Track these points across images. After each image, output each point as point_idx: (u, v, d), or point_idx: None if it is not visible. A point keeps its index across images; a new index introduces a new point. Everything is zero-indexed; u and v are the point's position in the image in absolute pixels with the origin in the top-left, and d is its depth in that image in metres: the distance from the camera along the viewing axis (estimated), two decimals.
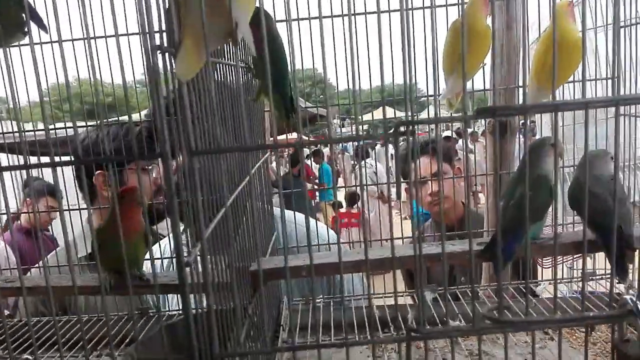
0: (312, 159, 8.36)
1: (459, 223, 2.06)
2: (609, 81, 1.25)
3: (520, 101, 1.30)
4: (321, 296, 1.34)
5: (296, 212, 1.55)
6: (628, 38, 1.18)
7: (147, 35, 0.47)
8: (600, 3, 1.28)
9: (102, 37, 1.19)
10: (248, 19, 0.50)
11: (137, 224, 0.93)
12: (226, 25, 0.49)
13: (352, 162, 6.76)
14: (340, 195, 6.22)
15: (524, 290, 1.20)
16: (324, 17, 1.17)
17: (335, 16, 1.19)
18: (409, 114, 0.48)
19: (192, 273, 0.52)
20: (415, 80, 1.26)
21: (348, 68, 1.13)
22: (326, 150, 8.13)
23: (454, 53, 1.10)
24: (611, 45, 1.32)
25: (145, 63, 0.49)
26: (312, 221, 1.43)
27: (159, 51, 0.47)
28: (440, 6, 1.20)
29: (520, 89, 1.31)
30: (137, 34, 1.16)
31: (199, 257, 0.55)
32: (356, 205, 5.86)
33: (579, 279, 1.31)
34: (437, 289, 1.29)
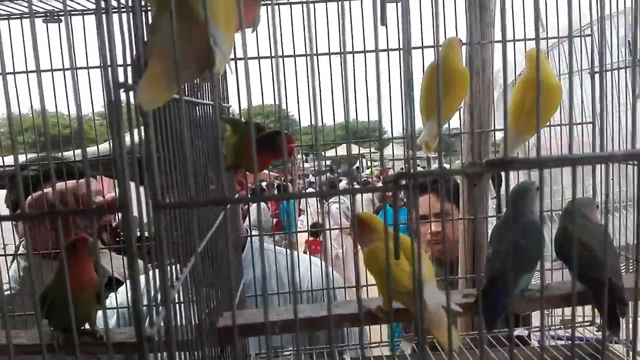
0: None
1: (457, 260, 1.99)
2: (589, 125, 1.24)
3: (495, 143, 1.28)
4: (291, 348, 1.24)
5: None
6: (604, 83, 1.18)
7: (109, 70, 0.41)
8: (575, 48, 1.29)
9: (59, 69, 1.13)
10: (225, 40, 0.44)
11: (89, 279, 0.83)
12: (201, 54, 0.42)
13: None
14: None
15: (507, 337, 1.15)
16: (287, 56, 1.15)
17: (298, 55, 1.15)
18: (410, 164, 0.42)
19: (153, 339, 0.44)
20: (380, 118, 1.23)
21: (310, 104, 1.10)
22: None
23: (431, 95, 1.07)
24: (587, 90, 1.33)
25: (105, 101, 0.42)
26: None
27: (122, 89, 0.41)
28: (416, 48, 1.18)
29: (495, 132, 1.28)
30: (93, 67, 1.11)
31: (162, 323, 0.47)
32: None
33: (561, 327, 1.27)
34: (414, 338, 1.23)
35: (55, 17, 1.15)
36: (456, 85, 1.05)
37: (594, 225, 0.85)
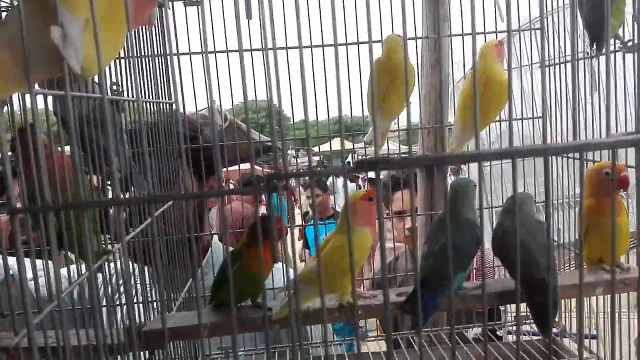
0: None
1: None
2: (537, 120, 1.24)
3: (449, 140, 1.27)
4: (243, 348, 1.22)
5: None
6: (553, 77, 1.17)
7: None
8: (525, 42, 1.27)
9: None
10: (83, 32, 0.41)
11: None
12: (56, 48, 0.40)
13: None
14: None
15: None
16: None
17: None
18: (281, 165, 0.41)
19: None
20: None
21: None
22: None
23: (378, 92, 1.06)
24: (537, 84, 1.32)
25: None
26: None
27: None
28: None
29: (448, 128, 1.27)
30: None
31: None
32: None
33: (513, 323, 1.27)
34: (368, 336, 1.22)
35: None
36: (402, 82, 1.03)
37: (531, 221, 0.84)
